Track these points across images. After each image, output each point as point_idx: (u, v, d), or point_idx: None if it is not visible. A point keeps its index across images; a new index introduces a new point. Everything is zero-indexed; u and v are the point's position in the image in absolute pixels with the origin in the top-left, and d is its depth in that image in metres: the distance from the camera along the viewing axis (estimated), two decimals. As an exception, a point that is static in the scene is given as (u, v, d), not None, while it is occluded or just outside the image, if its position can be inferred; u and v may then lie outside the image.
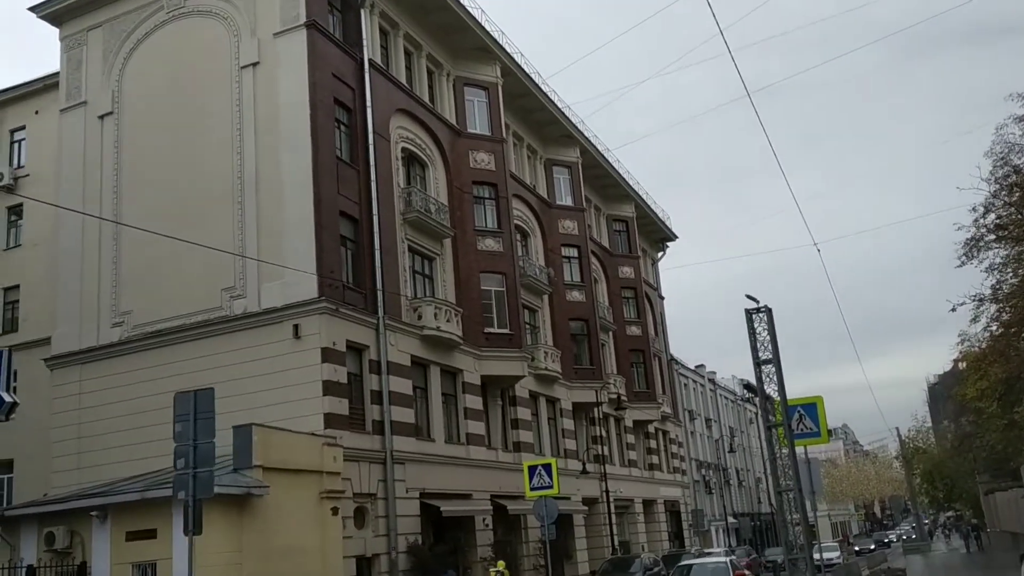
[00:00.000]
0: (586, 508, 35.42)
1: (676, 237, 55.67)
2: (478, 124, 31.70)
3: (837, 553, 32.19)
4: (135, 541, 17.78)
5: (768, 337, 14.65)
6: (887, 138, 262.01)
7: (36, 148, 31.43)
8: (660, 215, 53.21)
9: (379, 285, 24.22)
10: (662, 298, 55.45)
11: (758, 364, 14.67)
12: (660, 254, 56.12)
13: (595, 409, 37.41)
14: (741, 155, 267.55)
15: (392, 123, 27.05)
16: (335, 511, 20.42)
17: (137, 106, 26.40)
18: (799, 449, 14.89)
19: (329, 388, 21.52)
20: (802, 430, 14.45)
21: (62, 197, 26.03)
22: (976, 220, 22.45)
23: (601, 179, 44.82)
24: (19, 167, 33.10)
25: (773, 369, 14.49)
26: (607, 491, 35.43)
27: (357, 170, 24.96)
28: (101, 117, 26.85)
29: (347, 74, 25.29)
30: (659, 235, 54.92)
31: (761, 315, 14.72)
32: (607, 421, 40.76)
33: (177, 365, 23.26)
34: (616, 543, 37.61)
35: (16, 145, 33.76)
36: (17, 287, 31.00)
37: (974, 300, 22.89)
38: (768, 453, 14.57)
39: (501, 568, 24.45)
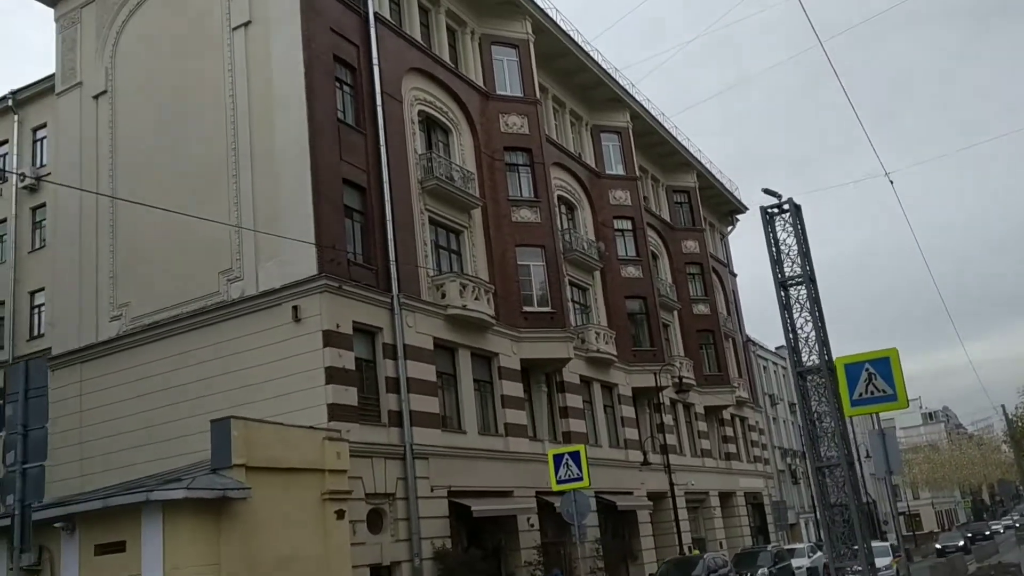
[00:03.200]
0: (651, 504, 32.23)
1: (746, 209, 51.53)
2: (508, 85, 28.82)
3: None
4: (104, 555, 15.63)
5: (796, 248, 11.00)
6: (966, 110, 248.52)
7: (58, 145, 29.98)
8: (727, 185, 49.33)
9: (392, 259, 21.61)
10: (734, 275, 51.54)
11: (782, 284, 10.86)
12: (730, 228, 52.14)
13: (658, 394, 34.09)
14: (809, 124, 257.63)
15: (405, 83, 24.42)
16: (340, 514, 17.85)
17: (130, 82, 24.45)
18: (869, 417, 11.55)
19: (333, 375, 18.98)
20: (872, 393, 10.89)
21: (59, 186, 24.27)
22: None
23: (657, 147, 41.32)
24: (41, 166, 31.84)
25: (804, 292, 10.81)
26: (672, 483, 32.10)
27: (364, 134, 22.39)
28: (95, 97, 25.00)
29: (349, 29, 22.74)
30: (728, 207, 50.92)
31: (785, 216, 11.11)
32: (674, 408, 37.38)
33: (176, 359, 21.36)
34: (689, 540, 34.27)
35: (39, 144, 32.59)
36: (42, 290, 29.65)
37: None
38: (801, 412, 10.89)
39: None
